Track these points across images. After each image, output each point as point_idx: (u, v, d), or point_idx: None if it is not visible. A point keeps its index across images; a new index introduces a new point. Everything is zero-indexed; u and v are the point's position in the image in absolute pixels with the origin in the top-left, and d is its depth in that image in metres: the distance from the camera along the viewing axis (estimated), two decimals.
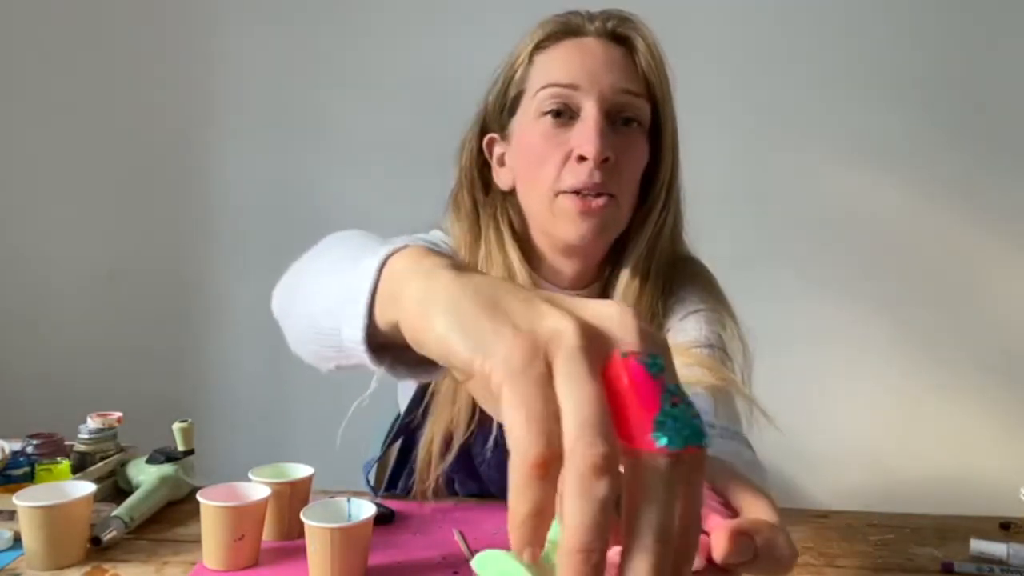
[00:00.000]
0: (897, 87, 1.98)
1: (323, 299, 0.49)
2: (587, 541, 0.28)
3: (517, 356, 0.31)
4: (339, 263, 0.50)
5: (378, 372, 0.45)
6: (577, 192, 0.83)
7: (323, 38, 2.07)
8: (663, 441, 0.29)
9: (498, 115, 0.92)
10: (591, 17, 0.88)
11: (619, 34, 0.87)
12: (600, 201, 0.83)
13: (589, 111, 0.83)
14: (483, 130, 0.94)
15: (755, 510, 0.41)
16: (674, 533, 0.30)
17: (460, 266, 0.39)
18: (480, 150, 0.94)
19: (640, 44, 0.86)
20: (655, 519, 0.29)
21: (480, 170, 0.94)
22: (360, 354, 0.44)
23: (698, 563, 0.38)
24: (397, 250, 0.43)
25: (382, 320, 0.42)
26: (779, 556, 0.38)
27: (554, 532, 0.39)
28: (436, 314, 0.35)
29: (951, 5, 1.96)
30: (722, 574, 0.38)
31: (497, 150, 0.93)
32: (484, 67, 0.94)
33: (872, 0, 1.98)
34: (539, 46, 0.88)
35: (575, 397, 0.29)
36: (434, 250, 0.42)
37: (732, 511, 0.42)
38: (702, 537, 0.38)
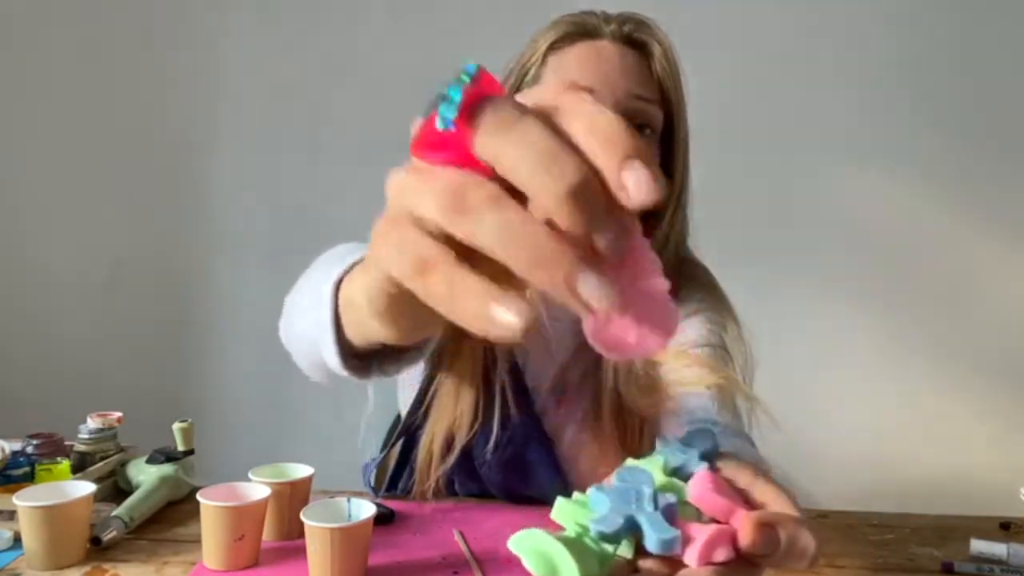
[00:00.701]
0: (897, 87, 1.98)
1: (308, 331, 0.51)
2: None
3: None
4: (312, 294, 0.52)
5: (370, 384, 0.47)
6: None
7: (324, 38, 2.07)
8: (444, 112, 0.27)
9: None
10: (607, 19, 0.87)
11: (635, 39, 0.86)
12: None
13: None
14: None
15: (779, 507, 0.41)
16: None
17: None
18: None
19: (656, 50, 0.86)
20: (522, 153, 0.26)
21: None
22: (346, 376, 0.46)
23: (726, 555, 0.38)
24: (346, 271, 0.44)
25: (356, 338, 0.43)
26: (803, 548, 0.39)
27: (584, 515, 0.39)
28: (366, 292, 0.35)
29: (951, 5, 1.96)
30: (749, 567, 0.39)
31: None
32: (487, 68, 0.94)
33: (873, 1, 1.98)
34: (553, 46, 0.87)
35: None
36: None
37: (756, 509, 0.42)
38: (729, 529, 0.39)
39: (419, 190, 0.29)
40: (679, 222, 0.91)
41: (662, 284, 0.31)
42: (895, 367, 2.03)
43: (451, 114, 0.27)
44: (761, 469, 0.44)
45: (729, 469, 0.43)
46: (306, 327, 0.52)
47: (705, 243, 0.98)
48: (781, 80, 1.99)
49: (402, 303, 0.33)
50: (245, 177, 2.12)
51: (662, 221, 0.89)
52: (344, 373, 0.46)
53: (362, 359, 0.48)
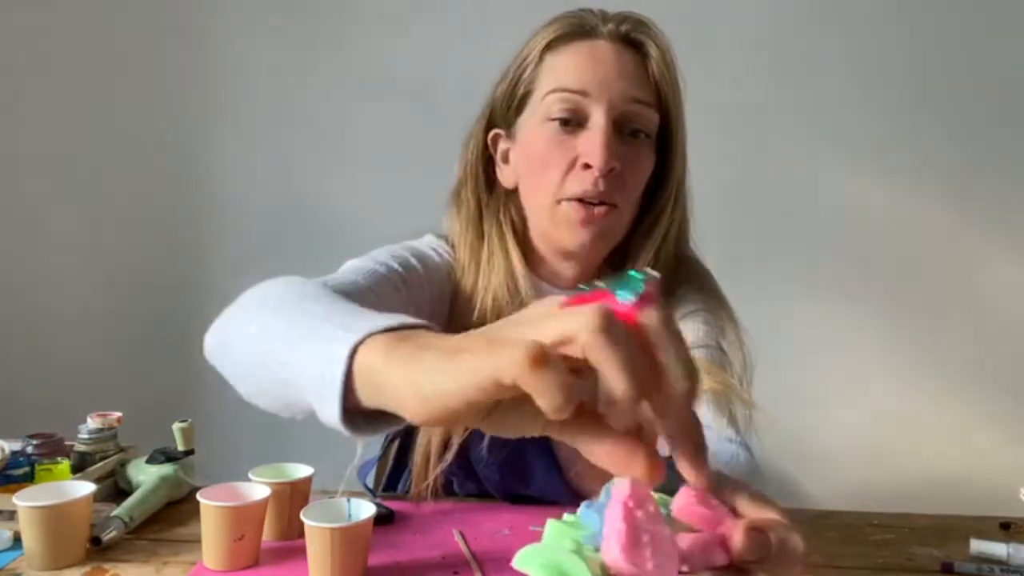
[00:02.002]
0: (897, 88, 1.98)
1: (285, 371, 0.50)
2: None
3: (587, 320, 0.35)
4: (300, 332, 0.51)
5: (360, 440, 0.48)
6: (580, 200, 0.83)
7: (324, 38, 2.07)
8: (621, 295, 0.37)
9: (505, 112, 0.90)
10: (605, 18, 0.86)
11: (632, 38, 0.85)
12: (602, 210, 0.83)
13: (597, 120, 0.82)
14: (489, 124, 0.93)
15: (765, 514, 0.42)
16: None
17: (424, 344, 0.41)
18: (486, 145, 0.93)
19: (653, 51, 0.85)
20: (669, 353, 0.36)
21: (484, 165, 0.93)
22: (337, 428, 0.45)
23: (721, 559, 0.39)
24: (362, 340, 0.43)
25: (364, 401, 0.43)
26: (793, 551, 0.40)
27: (577, 533, 0.40)
28: (432, 376, 0.38)
29: (951, 5, 1.96)
30: (740, 574, 0.39)
31: (502, 146, 0.92)
32: (485, 68, 0.94)
33: (873, 1, 1.98)
34: (550, 46, 0.86)
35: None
36: (401, 334, 0.43)
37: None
38: (720, 537, 0.40)
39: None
40: (677, 222, 0.91)
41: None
42: (895, 367, 2.03)
43: (630, 297, 0.37)
44: (744, 483, 0.44)
45: (713, 483, 0.43)
46: (289, 362, 0.50)
47: (705, 244, 0.98)
48: (781, 80, 1.99)
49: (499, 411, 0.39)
50: (245, 177, 2.12)
51: (660, 221, 0.89)
52: (337, 427, 0.45)
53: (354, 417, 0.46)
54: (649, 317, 0.36)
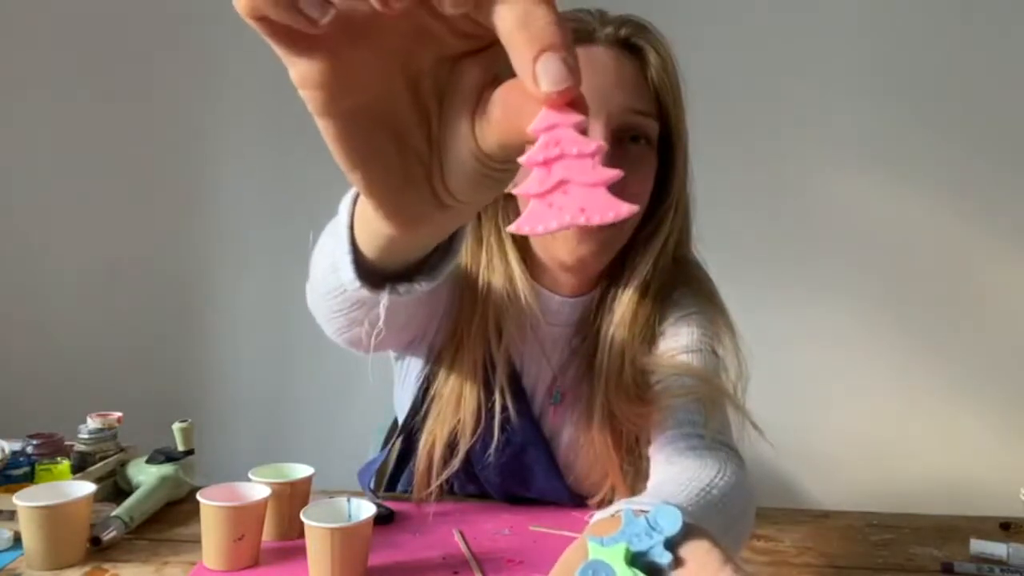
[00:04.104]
0: (896, 88, 1.98)
1: (326, 262, 0.57)
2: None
3: None
4: (330, 231, 0.58)
5: (384, 301, 0.54)
6: None
7: None
8: None
9: None
10: (604, 21, 0.84)
11: (632, 44, 0.83)
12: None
13: (595, 133, 0.80)
14: None
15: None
16: None
17: None
18: None
19: (652, 58, 0.83)
20: None
21: None
22: (358, 290, 0.53)
23: None
24: (354, 201, 0.51)
25: (368, 246, 0.50)
26: None
27: (594, 551, 0.41)
28: None
29: (951, 5, 1.96)
30: None
31: None
32: None
33: (872, 1, 1.98)
34: None
35: None
36: None
37: None
38: None
39: None
40: (678, 228, 0.89)
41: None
42: (895, 368, 2.03)
43: None
44: (729, 556, 0.44)
45: (695, 563, 0.43)
46: (325, 259, 0.58)
47: (705, 245, 0.98)
48: (782, 82, 1.99)
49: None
50: (245, 177, 2.12)
51: (662, 228, 0.88)
52: (359, 289, 0.52)
53: (376, 279, 0.53)
54: None
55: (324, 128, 0.34)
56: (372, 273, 0.53)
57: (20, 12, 2.09)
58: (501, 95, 0.31)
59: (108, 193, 2.13)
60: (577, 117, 0.30)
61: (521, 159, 0.30)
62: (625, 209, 0.29)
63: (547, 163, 0.29)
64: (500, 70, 0.32)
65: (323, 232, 0.62)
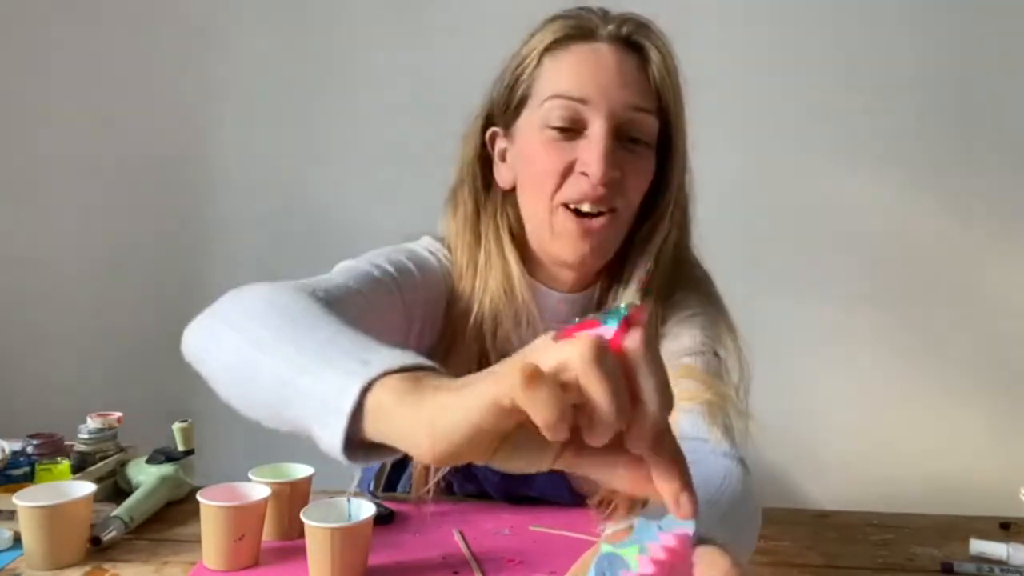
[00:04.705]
0: (896, 88, 1.97)
1: (286, 389, 0.52)
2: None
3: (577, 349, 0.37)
4: (305, 353, 0.52)
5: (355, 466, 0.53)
6: (578, 209, 0.82)
7: (325, 36, 2.07)
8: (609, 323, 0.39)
9: (503, 112, 0.89)
10: (606, 18, 0.84)
11: (633, 41, 0.83)
12: (600, 220, 0.82)
13: (597, 129, 0.80)
14: (487, 122, 0.91)
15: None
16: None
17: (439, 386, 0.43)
18: (483, 143, 0.92)
19: (654, 55, 0.83)
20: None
21: (482, 165, 0.92)
22: (334, 455, 0.47)
23: None
24: (377, 378, 0.45)
25: (369, 435, 0.45)
26: None
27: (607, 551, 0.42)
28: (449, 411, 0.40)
29: (950, 5, 1.96)
30: None
31: (499, 145, 0.90)
32: (483, 70, 0.93)
33: (873, 3, 1.98)
34: (549, 48, 0.84)
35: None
36: (414, 375, 0.46)
37: None
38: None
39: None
40: (677, 227, 0.89)
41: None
42: (895, 367, 2.03)
43: (615, 326, 0.39)
44: (737, 562, 0.44)
45: (704, 564, 0.44)
46: (295, 392, 0.51)
47: (705, 245, 0.98)
48: (782, 81, 1.99)
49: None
50: (245, 176, 2.12)
51: (660, 227, 0.88)
52: (338, 455, 0.46)
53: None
54: (632, 340, 0.38)
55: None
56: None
57: (19, 11, 2.09)
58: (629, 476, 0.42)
59: (108, 193, 2.12)
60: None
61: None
62: None
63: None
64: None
65: (235, 310, 0.64)
